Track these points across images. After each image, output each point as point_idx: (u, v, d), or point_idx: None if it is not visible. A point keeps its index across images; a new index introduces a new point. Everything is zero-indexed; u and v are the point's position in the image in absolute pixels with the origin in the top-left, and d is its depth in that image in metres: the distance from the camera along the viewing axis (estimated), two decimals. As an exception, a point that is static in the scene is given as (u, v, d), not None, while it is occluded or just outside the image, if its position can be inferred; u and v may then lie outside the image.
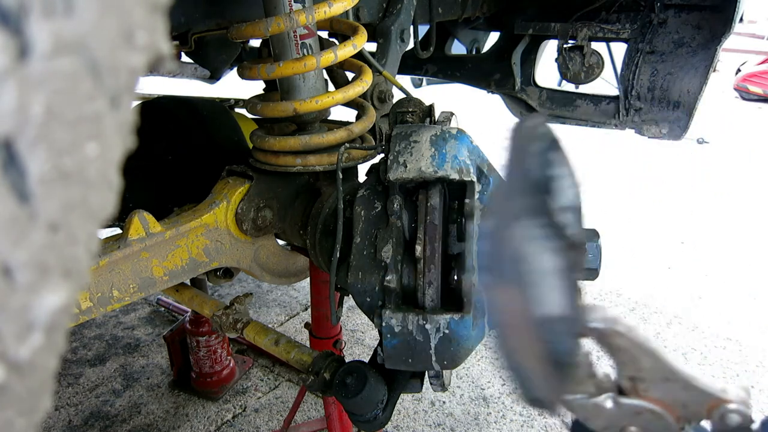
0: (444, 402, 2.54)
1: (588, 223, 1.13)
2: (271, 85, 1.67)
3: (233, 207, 1.35)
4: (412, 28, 1.78)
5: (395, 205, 1.01)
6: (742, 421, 0.52)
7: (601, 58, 2.02)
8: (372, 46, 1.61)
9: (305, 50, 1.27)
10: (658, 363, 0.52)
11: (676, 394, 0.53)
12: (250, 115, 1.70)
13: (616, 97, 2.05)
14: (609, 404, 0.53)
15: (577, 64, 2.00)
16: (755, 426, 0.53)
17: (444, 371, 1.10)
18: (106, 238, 1.23)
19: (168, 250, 1.24)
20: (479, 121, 5.85)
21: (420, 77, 2.64)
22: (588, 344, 0.52)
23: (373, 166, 1.18)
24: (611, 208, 4.54)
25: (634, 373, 0.52)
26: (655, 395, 0.53)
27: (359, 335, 3.03)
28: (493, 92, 2.37)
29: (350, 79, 1.47)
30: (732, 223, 4.35)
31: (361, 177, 1.27)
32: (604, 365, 0.55)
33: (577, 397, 0.53)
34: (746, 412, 0.52)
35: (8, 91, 0.21)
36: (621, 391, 0.53)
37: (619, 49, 2.08)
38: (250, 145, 1.46)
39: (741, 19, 1.97)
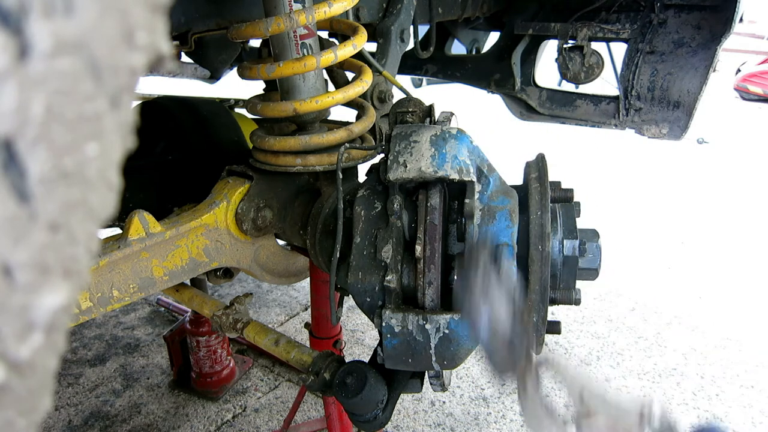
0: (444, 402, 2.54)
1: (588, 223, 1.13)
2: (271, 85, 1.67)
3: (233, 207, 1.35)
4: (412, 28, 1.78)
5: (395, 205, 1.01)
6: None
7: (601, 58, 2.02)
8: (372, 46, 1.61)
9: (305, 50, 1.27)
10: (590, 388, 0.59)
11: (612, 414, 0.59)
12: (250, 115, 1.70)
13: (616, 97, 2.04)
14: None
15: (577, 64, 2.00)
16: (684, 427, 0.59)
17: (444, 371, 1.10)
18: (106, 238, 1.23)
19: (168, 250, 1.24)
20: (479, 121, 5.86)
21: (420, 77, 2.64)
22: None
23: (373, 166, 1.18)
24: (611, 208, 4.54)
25: (579, 397, 0.59)
26: (601, 419, 0.59)
27: (359, 335, 3.03)
28: (493, 92, 2.37)
29: (350, 79, 1.47)
30: (732, 223, 4.35)
31: (361, 177, 1.27)
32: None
33: None
34: (668, 418, 0.58)
35: (8, 91, 0.21)
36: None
37: (619, 49, 2.08)
38: (250, 145, 1.46)
39: (741, 19, 1.97)
